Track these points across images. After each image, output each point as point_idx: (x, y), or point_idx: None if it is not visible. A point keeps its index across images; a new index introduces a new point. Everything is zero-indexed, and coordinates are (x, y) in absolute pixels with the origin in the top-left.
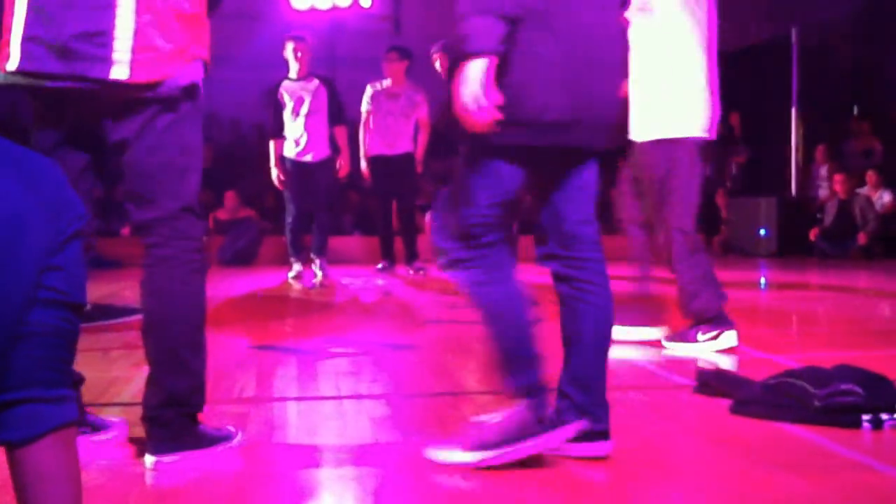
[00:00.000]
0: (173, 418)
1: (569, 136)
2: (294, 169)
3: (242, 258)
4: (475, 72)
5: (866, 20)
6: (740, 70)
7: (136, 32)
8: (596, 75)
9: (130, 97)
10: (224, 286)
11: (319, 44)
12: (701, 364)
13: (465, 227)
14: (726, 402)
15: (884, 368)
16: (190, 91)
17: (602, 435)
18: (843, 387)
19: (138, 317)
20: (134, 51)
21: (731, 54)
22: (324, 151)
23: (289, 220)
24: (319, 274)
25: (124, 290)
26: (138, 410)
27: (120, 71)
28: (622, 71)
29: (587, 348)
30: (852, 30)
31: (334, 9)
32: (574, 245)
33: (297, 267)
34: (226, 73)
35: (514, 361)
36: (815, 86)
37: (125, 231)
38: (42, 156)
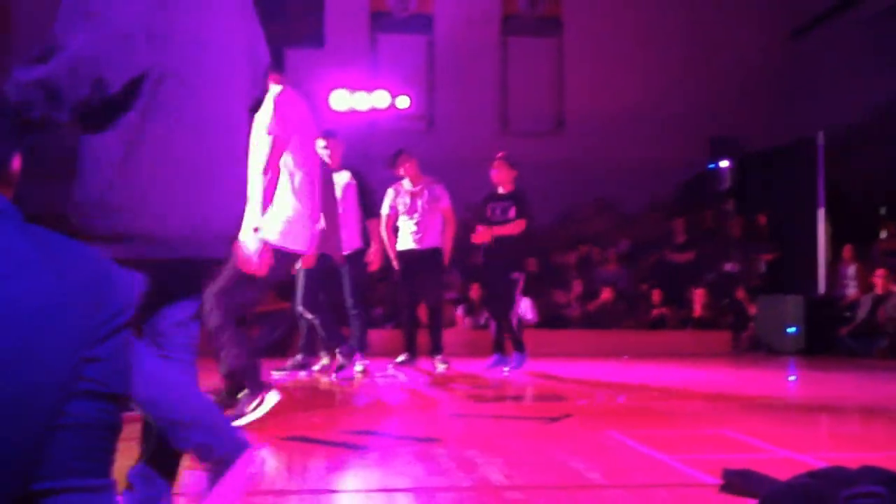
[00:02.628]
0: None
1: (184, 249)
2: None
3: (278, 349)
4: None
5: (891, 122)
6: (769, 171)
7: None
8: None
9: None
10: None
11: (355, 143)
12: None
13: None
14: (751, 503)
15: None
16: None
17: None
18: (867, 489)
19: None
20: None
21: (760, 155)
22: (354, 243)
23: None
24: (359, 367)
25: None
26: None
27: None
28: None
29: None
30: (878, 132)
31: (372, 110)
32: (165, 345)
33: (324, 360)
34: None
35: None
36: (841, 186)
37: None
38: (84, 245)
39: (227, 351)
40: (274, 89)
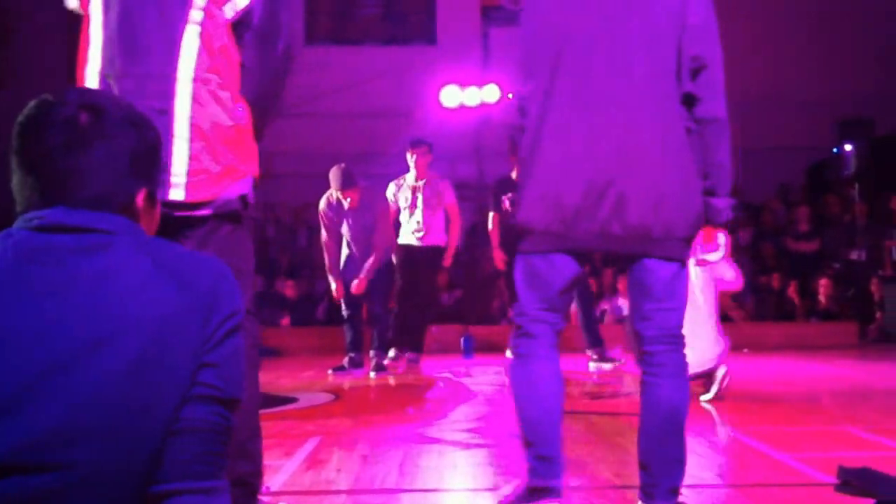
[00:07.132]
0: (236, 498)
1: None
2: None
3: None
4: None
5: None
6: None
7: (191, 159)
8: None
9: (189, 214)
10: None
11: (467, 139)
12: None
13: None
14: (869, 503)
15: None
16: (240, 203)
17: None
18: None
19: (293, 406)
20: (189, 174)
21: (885, 138)
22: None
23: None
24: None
25: (280, 378)
26: (288, 498)
27: (177, 192)
28: None
29: None
30: None
31: (482, 105)
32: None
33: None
34: (378, 168)
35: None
36: None
37: (284, 321)
38: (199, 254)
39: None
40: None
